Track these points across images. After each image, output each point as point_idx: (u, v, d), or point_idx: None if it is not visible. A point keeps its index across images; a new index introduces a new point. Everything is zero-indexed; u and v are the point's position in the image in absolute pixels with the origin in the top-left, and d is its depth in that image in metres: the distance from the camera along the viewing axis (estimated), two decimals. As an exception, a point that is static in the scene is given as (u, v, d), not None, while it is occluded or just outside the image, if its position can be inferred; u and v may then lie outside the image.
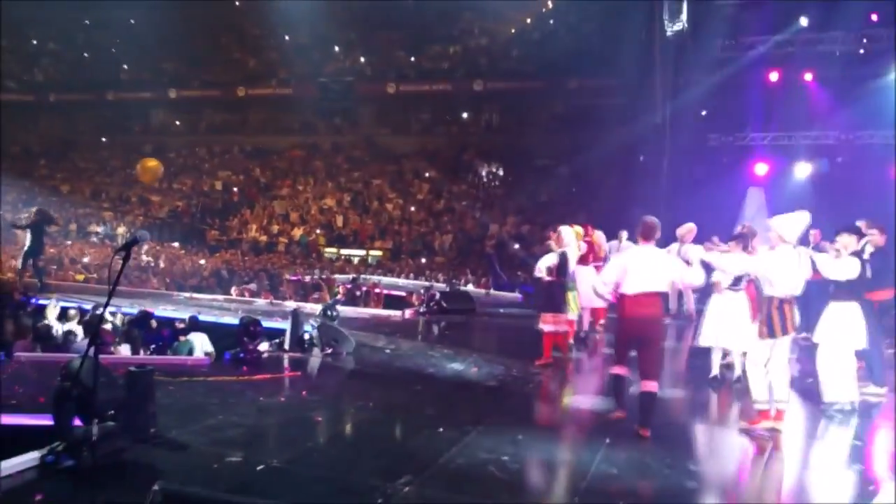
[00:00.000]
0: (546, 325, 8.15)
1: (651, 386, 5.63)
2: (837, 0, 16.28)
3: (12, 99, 32.60)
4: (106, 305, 4.96)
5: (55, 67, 33.37)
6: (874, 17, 16.48)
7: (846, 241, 6.61)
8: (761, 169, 17.14)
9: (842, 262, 6.42)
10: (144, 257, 20.80)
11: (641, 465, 5.09)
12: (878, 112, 15.61)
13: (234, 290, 16.34)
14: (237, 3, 32.51)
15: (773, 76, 17.28)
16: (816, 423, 6.28)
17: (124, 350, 8.63)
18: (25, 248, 13.53)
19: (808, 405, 6.62)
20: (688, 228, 10.31)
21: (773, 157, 17.37)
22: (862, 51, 16.97)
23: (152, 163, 15.67)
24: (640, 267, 5.67)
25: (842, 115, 16.62)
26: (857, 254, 6.59)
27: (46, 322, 9.04)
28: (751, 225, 8.05)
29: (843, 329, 6.42)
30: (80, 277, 18.80)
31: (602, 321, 10.52)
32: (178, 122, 33.28)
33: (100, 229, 26.52)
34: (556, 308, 8.15)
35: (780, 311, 5.75)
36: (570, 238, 8.38)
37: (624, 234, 12.03)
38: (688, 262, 6.73)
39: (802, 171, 17.18)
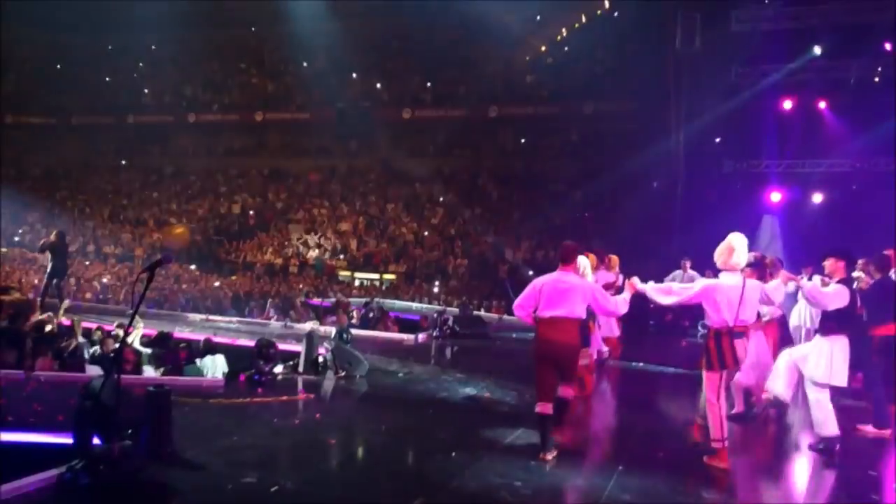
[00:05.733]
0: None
1: (566, 392, 5.83)
2: (851, 29, 16.34)
3: (35, 122, 33.29)
4: (129, 325, 5.05)
5: (77, 91, 33.98)
6: (888, 46, 16.52)
7: (833, 266, 6.23)
8: (775, 196, 17.14)
9: (828, 291, 6.02)
10: (162, 279, 21.00)
11: (654, 491, 5.09)
12: (892, 139, 15.58)
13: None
14: (253, 29, 33.10)
15: (788, 104, 17.34)
16: (811, 462, 6.13)
17: (149, 371, 8.71)
18: (48, 269, 13.71)
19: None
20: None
21: (788, 184, 17.36)
22: (876, 79, 16.99)
23: (179, 229, 15.90)
24: (556, 291, 5.64)
25: (856, 144, 16.61)
26: (846, 282, 6.15)
27: (69, 342, 9.16)
28: (774, 257, 7.88)
29: (825, 365, 6.02)
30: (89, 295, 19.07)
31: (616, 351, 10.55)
32: (196, 146, 33.71)
33: (117, 250, 26.84)
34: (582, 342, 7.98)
35: (717, 343, 5.44)
36: (585, 267, 8.19)
37: (688, 263, 12.00)
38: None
39: (816, 199, 17.14)
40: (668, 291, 5.98)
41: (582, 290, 5.73)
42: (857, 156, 16.96)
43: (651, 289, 5.88)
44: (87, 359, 8.80)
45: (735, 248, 5.54)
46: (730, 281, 5.49)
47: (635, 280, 5.95)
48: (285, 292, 20.15)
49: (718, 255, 5.60)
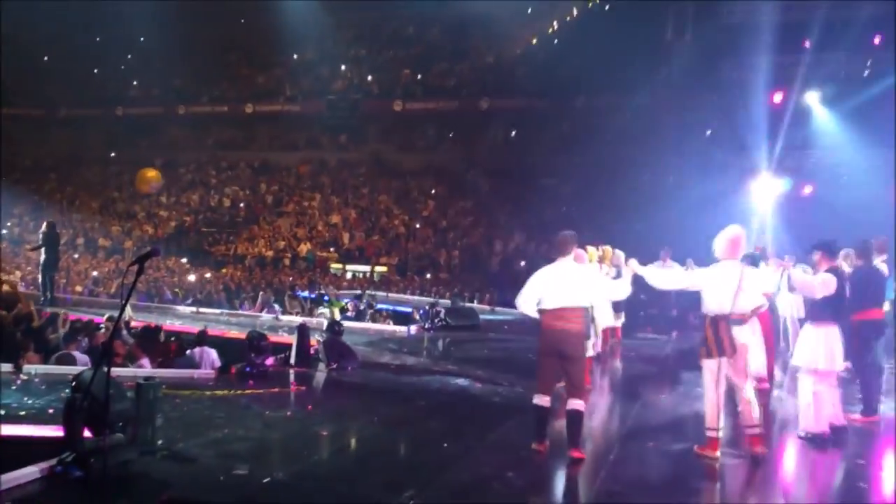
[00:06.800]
0: None
1: (577, 404, 5.47)
2: (841, 22, 16.41)
3: (24, 113, 33.02)
4: (119, 318, 5.03)
5: (66, 83, 33.73)
6: (877, 40, 16.61)
7: (819, 258, 6.39)
8: (766, 188, 17.18)
9: (815, 279, 6.17)
10: (152, 272, 20.91)
11: (644, 482, 5.12)
12: (882, 131, 15.68)
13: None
14: (242, 21, 32.94)
15: (778, 96, 17.38)
16: (799, 450, 6.18)
17: (144, 363, 8.65)
18: (42, 261, 13.73)
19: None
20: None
21: (778, 176, 17.41)
22: (866, 72, 17.08)
23: (151, 173, 15.64)
24: (557, 282, 5.58)
25: (845, 136, 16.69)
26: (834, 271, 6.28)
27: (56, 334, 9.10)
28: (762, 247, 7.89)
29: (819, 352, 6.10)
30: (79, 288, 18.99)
31: (614, 340, 10.59)
32: (186, 138, 33.53)
33: (107, 243, 26.71)
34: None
35: (714, 330, 5.49)
36: (587, 259, 7.99)
37: (667, 254, 12.04)
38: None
39: (807, 190, 17.22)
40: (667, 277, 6.04)
41: (582, 277, 5.72)
42: (846, 147, 17.03)
43: (650, 273, 5.90)
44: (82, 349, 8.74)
45: (735, 239, 5.62)
46: (728, 269, 5.54)
47: (633, 262, 5.98)
48: (277, 285, 20.11)
49: (718, 245, 5.66)
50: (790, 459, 6.08)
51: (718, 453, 5.55)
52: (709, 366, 5.57)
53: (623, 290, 5.96)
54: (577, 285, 5.60)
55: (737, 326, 5.48)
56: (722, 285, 5.49)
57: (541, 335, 5.73)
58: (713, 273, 5.59)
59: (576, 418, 5.47)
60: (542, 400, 5.61)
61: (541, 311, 5.66)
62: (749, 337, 5.58)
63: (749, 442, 5.60)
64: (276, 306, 15.59)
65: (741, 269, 5.56)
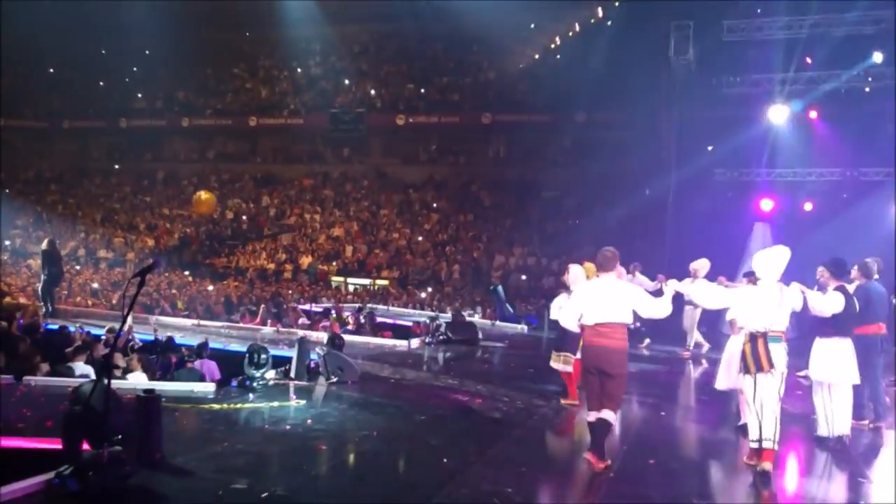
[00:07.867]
0: (555, 363, 8.13)
1: (607, 415, 5.57)
2: (842, 39, 16.45)
3: (27, 125, 33.16)
4: (120, 330, 5.04)
5: (70, 95, 33.89)
6: (878, 57, 16.64)
7: (826, 276, 6.79)
8: (766, 204, 17.18)
9: (826, 297, 6.43)
10: (154, 284, 20.90)
11: (645, 499, 5.10)
12: (882, 149, 15.72)
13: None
14: (247, 34, 33.16)
15: (779, 113, 17.39)
16: (812, 458, 6.34)
17: (140, 377, 8.62)
18: (44, 279, 13.73)
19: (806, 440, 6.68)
20: (701, 264, 10.35)
21: (779, 192, 17.43)
22: (867, 89, 17.10)
23: (206, 195, 15.88)
24: (598, 298, 5.69)
25: (846, 152, 16.71)
26: (842, 289, 6.64)
27: (72, 348, 9.09)
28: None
29: (833, 365, 6.54)
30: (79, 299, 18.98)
31: None
32: (189, 150, 33.65)
33: (109, 255, 26.74)
34: (565, 348, 8.00)
35: (752, 346, 5.67)
36: (578, 276, 7.96)
37: (637, 269, 12.06)
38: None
39: (807, 206, 17.23)
40: (712, 295, 6.21)
41: (625, 294, 5.77)
42: (847, 164, 17.05)
43: (695, 290, 6.18)
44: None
45: (776, 258, 5.81)
46: (769, 288, 5.75)
47: (673, 281, 6.16)
48: (278, 298, 20.07)
49: (758, 264, 5.88)
50: (791, 476, 6.07)
51: (770, 463, 5.60)
52: (747, 381, 5.77)
53: (665, 307, 5.88)
54: (618, 301, 5.68)
55: (773, 344, 5.64)
56: (763, 303, 5.70)
57: (582, 352, 5.90)
58: (755, 290, 5.82)
59: (603, 427, 5.61)
60: (593, 417, 5.69)
61: (582, 327, 5.80)
62: (784, 355, 5.68)
63: (763, 456, 5.60)
64: (292, 320, 15.59)
65: (780, 288, 5.77)
